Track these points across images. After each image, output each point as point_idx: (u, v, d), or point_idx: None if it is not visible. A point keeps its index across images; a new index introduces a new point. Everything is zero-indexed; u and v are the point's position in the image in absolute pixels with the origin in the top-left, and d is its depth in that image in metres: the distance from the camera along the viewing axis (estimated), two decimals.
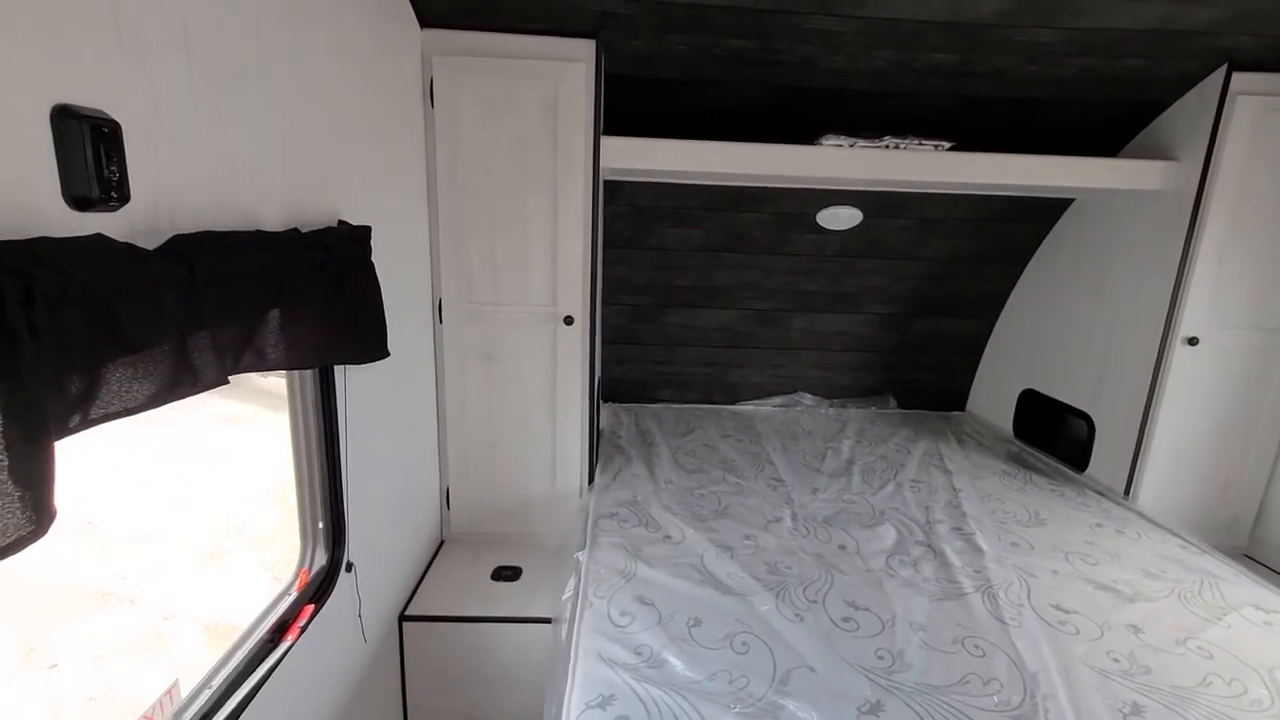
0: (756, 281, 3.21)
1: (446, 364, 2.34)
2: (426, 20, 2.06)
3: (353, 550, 1.63)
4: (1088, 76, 2.25)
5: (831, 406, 3.60)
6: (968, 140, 2.41)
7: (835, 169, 2.38)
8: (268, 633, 1.28)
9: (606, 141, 2.21)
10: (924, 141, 2.35)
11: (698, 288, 3.22)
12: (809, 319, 3.38)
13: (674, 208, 2.89)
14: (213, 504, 3.84)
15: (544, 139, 2.15)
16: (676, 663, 1.53)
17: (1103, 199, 2.72)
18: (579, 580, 1.93)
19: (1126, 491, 2.55)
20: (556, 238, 2.24)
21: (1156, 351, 2.42)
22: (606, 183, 2.26)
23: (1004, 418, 3.33)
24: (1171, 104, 2.40)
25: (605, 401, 3.47)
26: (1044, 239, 3.09)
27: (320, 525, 1.53)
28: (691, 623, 1.69)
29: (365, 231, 1.46)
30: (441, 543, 2.50)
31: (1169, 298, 2.37)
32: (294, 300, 1.16)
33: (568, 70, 2.10)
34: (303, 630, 1.33)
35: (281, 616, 1.33)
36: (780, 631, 1.66)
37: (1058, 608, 1.81)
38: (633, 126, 2.28)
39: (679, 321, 3.36)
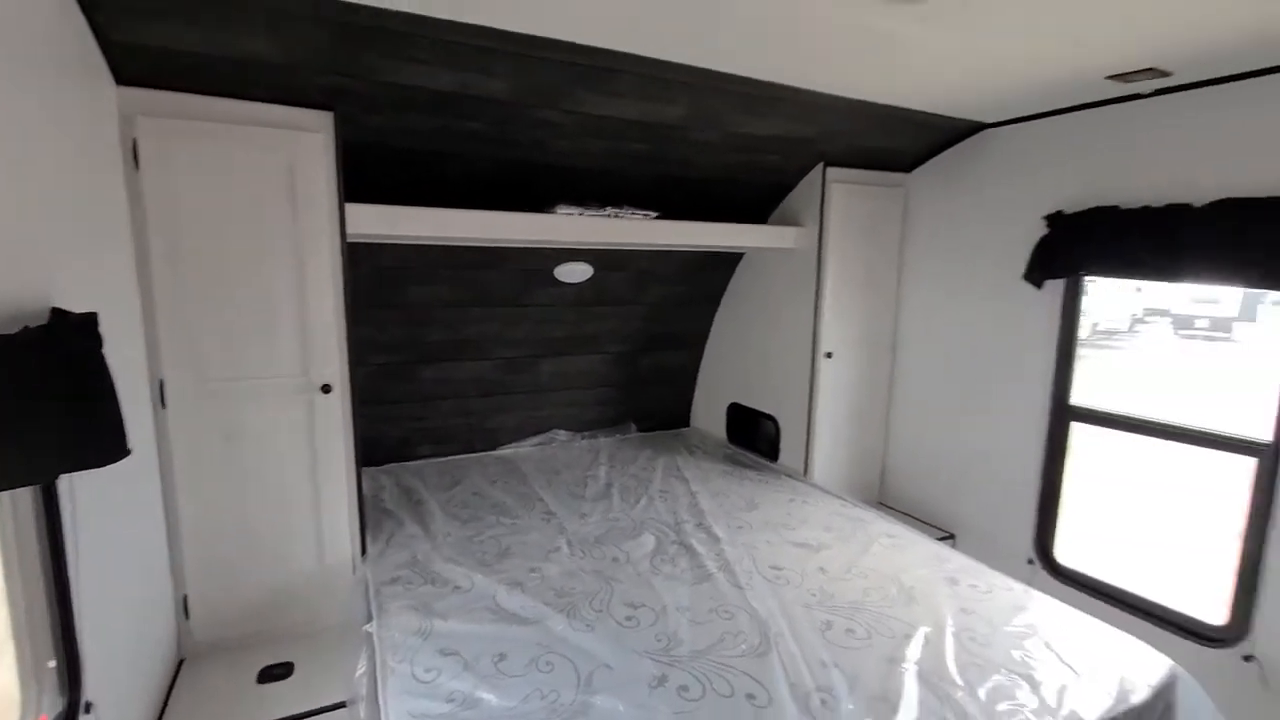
0: (505, 332, 3.43)
1: (175, 453, 2.07)
2: (124, 78, 1.87)
3: (89, 687, 1.39)
4: (743, 167, 3.01)
5: (583, 438, 3.97)
6: (668, 210, 3.00)
7: (569, 233, 2.74)
8: None
9: (352, 209, 2.24)
10: (636, 211, 2.86)
11: (449, 341, 3.32)
12: (556, 362, 3.71)
13: (420, 267, 2.97)
14: None
15: (283, 206, 2.10)
16: (490, 697, 1.64)
17: (762, 254, 3.59)
18: (372, 652, 1.89)
19: (805, 471, 3.37)
20: (306, 305, 2.17)
21: (809, 364, 3.28)
22: (350, 245, 2.27)
23: (719, 427, 4.08)
24: (796, 186, 3.33)
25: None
26: (729, 284, 3.92)
27: (51, 663, 1.29)
28: (497, 658, 1.81)
29: (92, 319, 1.32)
30: (181, 661, 2.16)
31: (811, 324, 3.25)
32: (28, 404, 1.03)
33: (304, 140, 2.10)
34: None
35: None
36: (577, 643, 1.88)
37: (774, 567, 2.37)
38: (382, 191, 2.35)
39: (432, 376, 3.40)
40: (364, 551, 2.44)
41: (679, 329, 4.01)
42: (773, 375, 3.58)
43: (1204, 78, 2.21)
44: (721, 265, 3.78)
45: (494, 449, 3.76)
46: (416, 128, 2.32)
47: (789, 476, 3.37)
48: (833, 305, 3.26)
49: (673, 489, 3.20)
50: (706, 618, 2.04)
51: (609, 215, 2.78)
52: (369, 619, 2.04)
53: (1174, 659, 1.84)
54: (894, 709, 1.63)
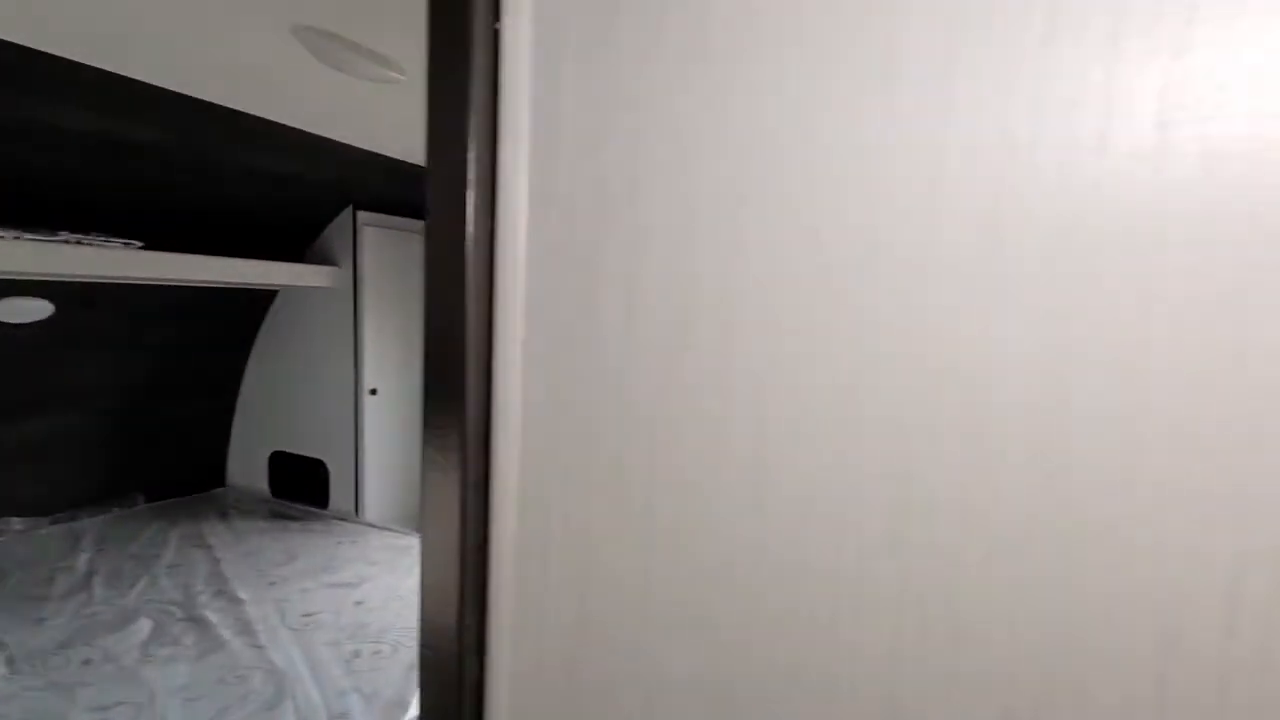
0: None
1: None
2: None
3: None
4: (263, 201, 2.86)
5: (55, 523, 3.07)
6: (163, 241, 2.62)
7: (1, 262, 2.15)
8: None
9: None
10: (112, 239, 2.43)
11: None
12: (6, 429, 2.80)
13: None
14: None
15: None
16: None
17: (299, 291, 3.44)
18: None
19: (357, 510, 3.33)
20: None
21: (353, 402, 3.28)
22: None
23: (261, 481, 3.68)
24: (329, 225, 3.31)
25: None
26: (263, 322, 3.61)
27: None
28: None
29: None
30: None
31: (352, 361, 3.26)
32: None
33: None
34: None
35: None
36: None
37: (305, 615, 2.29)
38: None
39: None
40: None
41: (202, 374, 3.49)
42: (318, 417, 3.44)
43: None
44: (251, 303, 3.47)
45: None
46: None
47: (339, 520, 3.28)
48: (373, 342, 3.34)
49: (189, 560, 2.76)
50: (210, 690, 1.85)
51: (65, 241, 2.29)
52: None
53: None
54: (406, 708, 1.78)
